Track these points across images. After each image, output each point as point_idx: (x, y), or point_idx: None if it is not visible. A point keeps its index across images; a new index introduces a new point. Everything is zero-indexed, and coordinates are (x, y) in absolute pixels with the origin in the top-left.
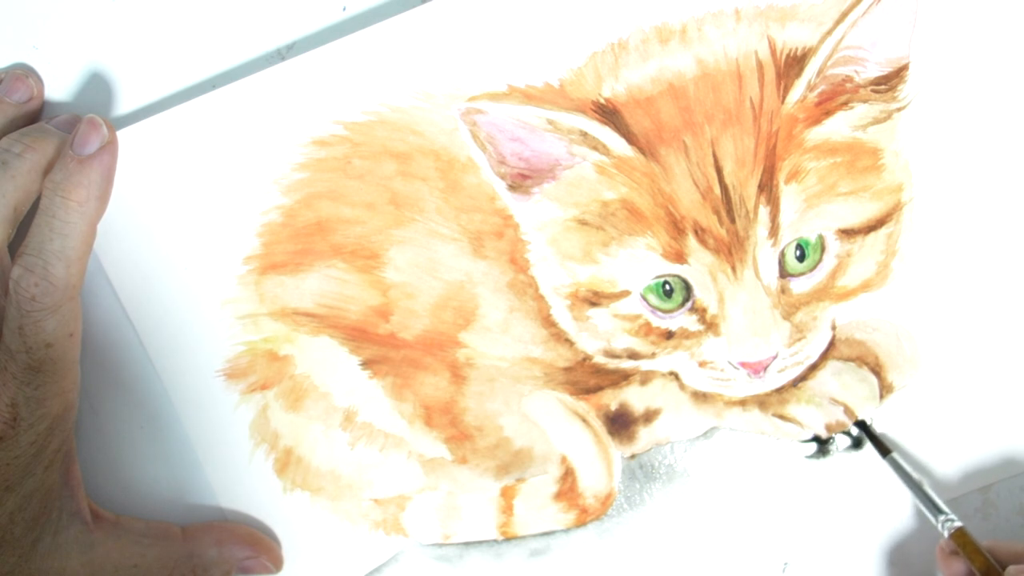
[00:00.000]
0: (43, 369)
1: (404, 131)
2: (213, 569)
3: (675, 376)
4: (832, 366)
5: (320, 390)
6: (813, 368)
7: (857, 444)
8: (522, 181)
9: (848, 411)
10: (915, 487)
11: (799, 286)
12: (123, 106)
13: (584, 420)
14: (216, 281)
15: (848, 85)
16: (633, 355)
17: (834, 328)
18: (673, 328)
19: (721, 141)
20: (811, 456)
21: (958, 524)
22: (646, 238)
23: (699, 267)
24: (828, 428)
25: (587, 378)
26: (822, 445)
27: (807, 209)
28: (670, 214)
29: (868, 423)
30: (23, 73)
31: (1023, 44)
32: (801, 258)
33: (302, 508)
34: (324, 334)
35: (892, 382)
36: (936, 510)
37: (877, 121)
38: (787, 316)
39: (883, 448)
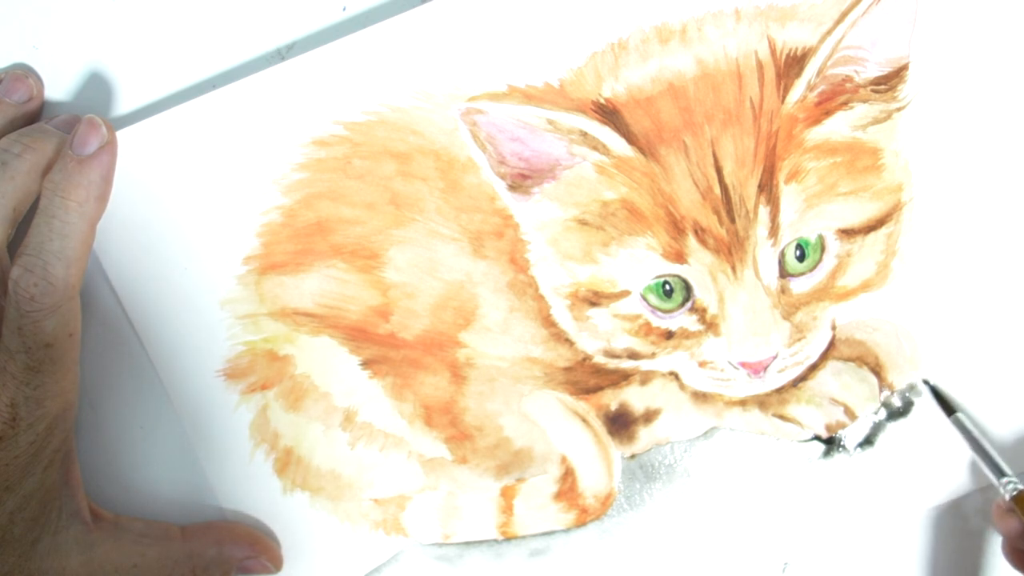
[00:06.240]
0: (42, 369)
1: (404, 131)
2: (213, 569)
3: (675, 376)
4: (832, 366)
5: (320, 390)
6: (813, 368)
7: (867, 441)
8: (522, 181)
9: (848, 411)
10: (978, 448)
11: (799, 286)
12: (123, 106)
13: (584, 420)
14: (216, 281)
15: (848, 85)
16: (633, 355)
17: (834, 328)
18: (673, 328)
19: (721, 141)
20: (819, 457)
21: (1021, 487)
22: (646, 238)
23: (699, 267)
24: (828, 428)
25: (587, 378)
26: (828, 445)
27: (807, 209)
28: (670, 214)
29: (933, 384)
30: (23, 73)
31: (1023, 44)
32: (801, 258)
33: (302, 508)
34: (324, 334)
35: (892, 382)
36: (999, 472)
37: (877, 121)
38: (787, 316)
39: (948, 408)
